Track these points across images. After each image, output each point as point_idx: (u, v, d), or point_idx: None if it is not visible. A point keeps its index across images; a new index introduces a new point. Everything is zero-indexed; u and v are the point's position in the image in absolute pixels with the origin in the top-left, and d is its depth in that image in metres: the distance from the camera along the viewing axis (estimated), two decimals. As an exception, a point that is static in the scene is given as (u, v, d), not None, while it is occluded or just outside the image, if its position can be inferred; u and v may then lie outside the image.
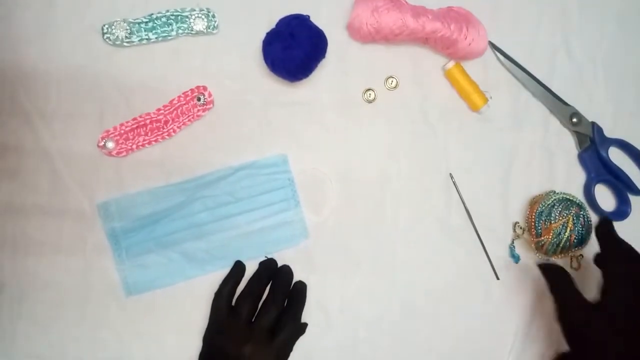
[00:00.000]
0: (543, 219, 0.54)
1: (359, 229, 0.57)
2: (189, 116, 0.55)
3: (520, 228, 0.57)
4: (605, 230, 0.51)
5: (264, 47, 0.53)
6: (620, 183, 0.57)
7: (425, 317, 0.57)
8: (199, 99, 0.55)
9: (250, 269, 0.55)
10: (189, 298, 0.55)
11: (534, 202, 0.56)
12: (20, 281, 0.54)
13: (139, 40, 0.54)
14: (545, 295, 0.52)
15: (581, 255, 0.57)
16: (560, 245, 0.53)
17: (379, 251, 0.57)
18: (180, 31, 0.55)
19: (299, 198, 0.56)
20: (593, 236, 0.54)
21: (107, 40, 0.54)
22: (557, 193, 0.55)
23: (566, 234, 0.53)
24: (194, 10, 0.55)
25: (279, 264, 0.56)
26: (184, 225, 0.55)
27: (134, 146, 0.54)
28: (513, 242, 0.57)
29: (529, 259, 0.58)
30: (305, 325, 0.55)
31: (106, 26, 0.54)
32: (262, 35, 0.53)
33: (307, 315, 0.55)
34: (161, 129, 0.55)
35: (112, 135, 0.54)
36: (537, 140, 0.58)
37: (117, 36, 0.54)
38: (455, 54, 0.55)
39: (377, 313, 0.57)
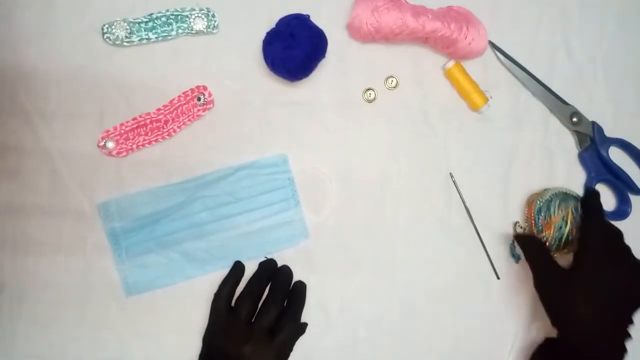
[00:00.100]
0: (542, 214, 0.54)
1: (359, 229, 0.57)
2: (189, 116, 0.55)
3: (521, 227, 0.57)
4: (590, 201, 0.53)
5: (264, 46, 0.53)
6: (620, 182, 0.57)
7: (425, 316, 0.57)
8: (199, 99, 0.55)
9: (250, 269, 0.55)
10: (189, 298, 0.55)
11: (531, 201, 0.56)
12: (20, 281, 0.54)
13: (139, 40, 0.54)
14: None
15: None
16: (563, 239, 0.53)
17: (379, 251, 0.57)
18: (180, 31, 0.55)
19: (299, 198, 0.56)
20: None
21: (107, 40, 0.54)
22: (554, 188, 0.55)
23: (567, 227, 0.53)
24: (194, 10, 0.55)
25: (279, 264, 0.56)
26: (184, 225, 0.55)
27: (134, 146, 0.54)
28: (513, 242, 0.57)
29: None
30: (305, 325, 0.54)
31: (106, 26, 0.54)
32: (262, 35, 0.53)
33: (307, 315, 0.55)
34: (161, 129, 0.55)
35: (112, 135, 0.54)
36: (537, 140, 0.58)
37: (117, 36, 0.54)
38: (455, 54, 0.55)
39: (377, 313, 0.57)
